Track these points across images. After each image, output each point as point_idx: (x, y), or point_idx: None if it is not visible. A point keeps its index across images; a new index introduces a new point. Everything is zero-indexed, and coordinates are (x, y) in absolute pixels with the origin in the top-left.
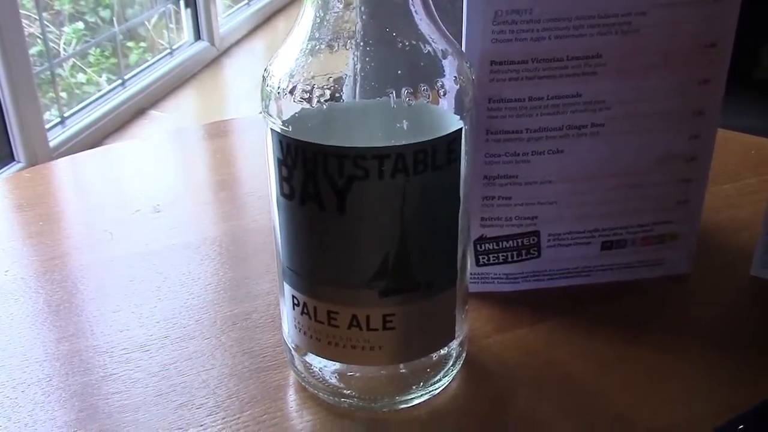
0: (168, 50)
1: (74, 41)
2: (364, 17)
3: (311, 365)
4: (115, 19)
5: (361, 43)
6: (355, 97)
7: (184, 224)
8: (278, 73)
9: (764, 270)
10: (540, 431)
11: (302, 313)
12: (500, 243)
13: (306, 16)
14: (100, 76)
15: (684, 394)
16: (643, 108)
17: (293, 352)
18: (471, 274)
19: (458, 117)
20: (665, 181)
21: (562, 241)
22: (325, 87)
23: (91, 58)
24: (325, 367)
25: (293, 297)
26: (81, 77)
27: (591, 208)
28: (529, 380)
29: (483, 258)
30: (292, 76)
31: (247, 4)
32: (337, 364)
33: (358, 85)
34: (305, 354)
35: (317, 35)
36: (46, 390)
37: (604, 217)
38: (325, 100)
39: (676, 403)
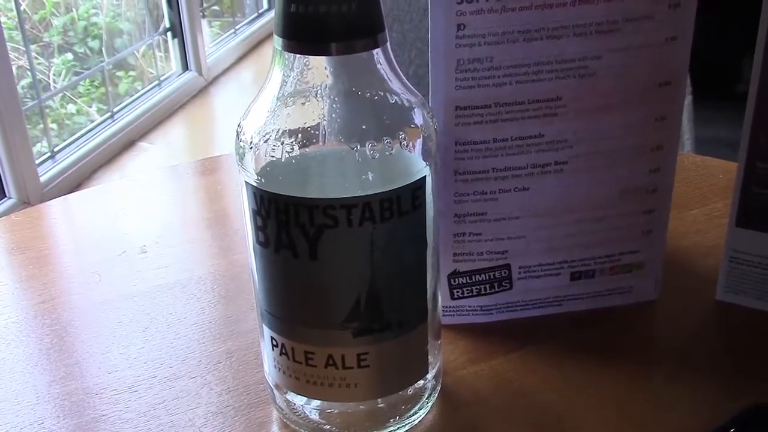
0: (156, 81)
1: (64, 72)
2: (331, 75)
3: (292, 402)
4: (104, 49)
5: (328, 98)
6: (323, 150)
7: (171, 264)
8: (250, 129)
9: (727, 294)
10: None
11: (281, 353)
12: (473, 276)
13: (275, 73)
14: (90, 107)
15: (650, 416)
16: (603, 145)
17: (274, 390)
18: (445, 307)
19: (423, 164)
20: (629, 213)
21: (532, 273)
22: (295, 141)
23: (81, 89)
24: (306, 404)
25: (272, 338)
26: (71, 108)
27: (559, 241)
28: (502, 409)
29: (457, 291)
30: (262, 131)
31: (234, 33)
32: (317, 400)
33: (325, 138)
34: (286, 392)
35: (286, 91)
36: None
37: (572, 249)
38: (295, 154)
39: (642, 426)
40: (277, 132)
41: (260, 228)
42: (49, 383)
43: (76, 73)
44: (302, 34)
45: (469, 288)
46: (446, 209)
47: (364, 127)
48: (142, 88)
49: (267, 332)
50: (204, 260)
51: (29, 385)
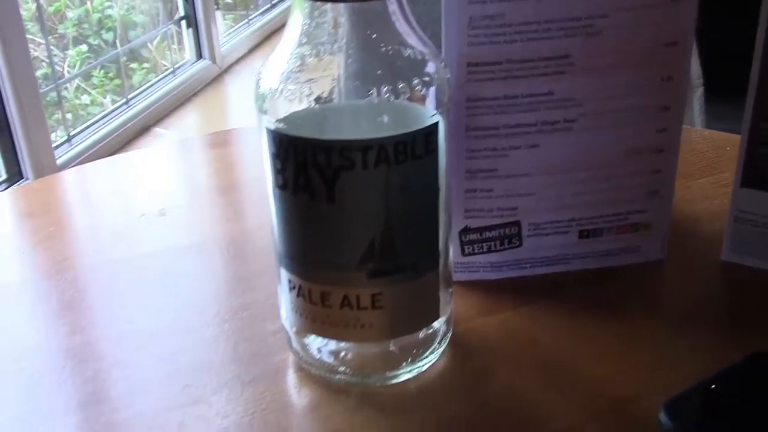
0: (170, 69)
1: (78, 63)
2: (347, 24)
3: (308, 346)
4: (118, 41)
5: (345, 48)
6: (340, 96)
7: (188, 227)
8: (270, 76)
9: (732, 254)
10: (520, 402)
11: (298, 295)
12: (483, 233)
13: (294, 23)
14: (105, 98)
15: (653, 366)
16: (611, 104)
17: (291, 334)
18: (457, 263)
19: (435, 112)
20: (636, 173)
21: (541, 231)
22: (313, 86)
23: (95, 80)
24: (321, 347)
25: (289, 281)
26: (85, 99)
27: (567, 199)
28: (511, 357)
29: (468, 248)
30: (282, 77)
31: (247, 23)
32: (332, 343)
33: (342, 85)
34: (302, 335)
35: (305, 41)
36: (61, 376)
37: (581, 207)
38: (313, 99)
39: (645, 374)
40: (296, 78)
41: (279, 171)
42: (70, 333)
43: (90, 64)
44: None
45: (480, 244)
46: (458, 165)
47: (379, 72)
48: (156, 78)
49: (285, 275)
50: (219, 224)
51: (51, 334)
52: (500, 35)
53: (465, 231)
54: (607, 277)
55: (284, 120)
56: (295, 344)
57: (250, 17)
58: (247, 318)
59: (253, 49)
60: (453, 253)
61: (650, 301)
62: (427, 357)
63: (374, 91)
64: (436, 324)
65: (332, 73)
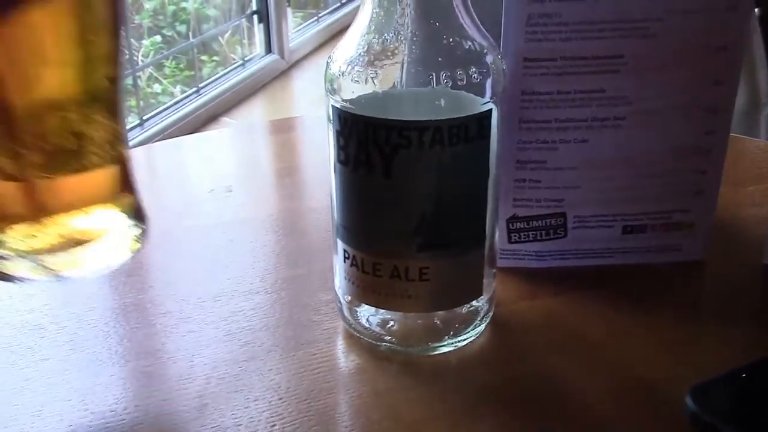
0: (240, 62)
1: (152, 53)
2: (413, 14)
3: (358, 314)
4: (191, 34)
5: (410, 36)
6: (402, 81)
7: (253, 203)
8: (339, 59)
9: None
10: (550, 378)
11: (351, 265)
12: (530, 222)
13: (364, 11)
14: (175, 87)
15: (685, 354)
16: (660, 104)
17: (343, 302)
18: (503, 250)
19: (489, 100)
20: (682, 172)
21: (586, 223)
22: (378, 71)
23: (167, 70)
24: (370, 315)
25: (344, 251)
26: (157, 87)
27: (613, 194)
28: (548, 339)
29: (515, 236)
30: (350, 60)
31: (317, 21)
32: (380, 313)
33: (405, 70)
34: (353, 304)
35: (373, 28)
36: (131, 326)
37: (625, 203)
38: (377, 81)
39: (676, 361)
40: (363, 62)
41: (342, 147)
42: (141, 290)
43: (161, 54)
44: None
45: (526, 233)
46: (509, 155)
47: (440, 60)
48: (226, 70)
49: (340, 245)
50: (280, 202)
51: (125, 291)
52: (556, 33)
53: (513, 219)
54: (647, 273)
55: (349, 100)
56: (346, 312)
57: (319, 15)
58: (301, 287)
59: (320, 46)
60: (500, 239)
61: (689, 298)
62: (468, 332)
63: (434, 77)
64: (478, 302)
65: (397, 59)
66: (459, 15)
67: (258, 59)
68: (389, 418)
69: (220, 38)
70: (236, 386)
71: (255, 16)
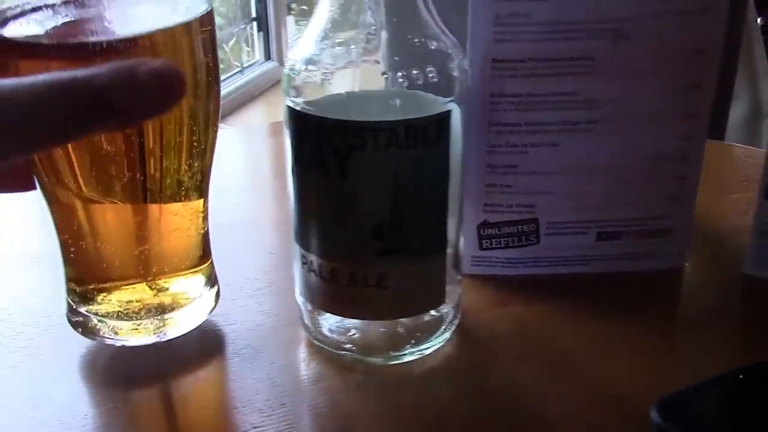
0: (239, 69)
1: None
2: (371, 13)
3: (318, 321)
4: None
5: (367, 35)
6: (359, 81)
7: (242, 204)
8: (295, 58)
9: (755, 267)
10: (517, 390)
11: (309, 270)
12: (502, 228)
13: (321, 10)
14: None
15: (657, 366)
16: (634, 108)
17: (303, 310)
18: (474, 257)
19: (449, 100)
20: (658, 179)
21: (559, 230)
22: (333, 68)
23: None
24: (331, 323)
25: (302, 256)
26: None
27: (587, 200)
28: (516, 349)
29: (486, 242)
30: (305, 59)
31: None
32: (341, 320)
33: (362, 70)
34: (313, 311)
35: (330, 26)
36: None
37: (600, 209)
38: (332, 81)
39: (647, 374)
40: (318, 60)
41: (297, 148)
42: None
43: None
44: None
45: (498, 239)
46: (479, 159)
47: (396, 59)
48: (224, 76)
49: (298, 251)
50: (269, 203)
51: None
52: (526, 33)
53: (484, 225)
54: (623, 281)
55: (306, 101)
56: (306, 320)
57: None
58: (272, 292)
59: None
60: (471, 246)
61: (664, 307)
62: (431, 341)
63: (391, 77)
64: (443, 309)
65: (354, 58)
66: (419, 13)
67: (257, 66)
68: (345, 430)
69: (224, 45)
70: (193, 392)
71: (254, 23)
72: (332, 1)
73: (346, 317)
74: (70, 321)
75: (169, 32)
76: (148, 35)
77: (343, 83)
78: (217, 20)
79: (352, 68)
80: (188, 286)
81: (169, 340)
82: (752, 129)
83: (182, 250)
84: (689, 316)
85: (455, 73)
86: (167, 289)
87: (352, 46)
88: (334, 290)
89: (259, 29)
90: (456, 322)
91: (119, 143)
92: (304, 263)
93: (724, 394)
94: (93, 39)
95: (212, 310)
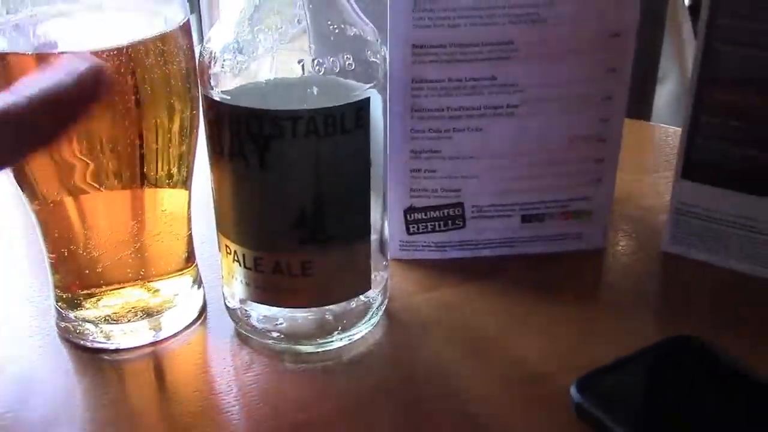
0: None
1: None
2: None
3: (245, 311)
4: None
5: (282, 20)
6: (276, 69)
7: None
8: (210, 45)
9: (673, 245)
10: (442, 373)
11: (234, 260)
12: (428, 213)
13: None
14: None
15: (578, 345)
16: (554, 92)
17: (228, 299)
18: (402, 241)
19: (367, 87)
20: (578, 161)
21: (484, 213)
22: (249, 56)
23: None
24: (256, 313)
25: (225, 246)
26: None
27: (510, 183)
28: (442, 332)
29: (413, 227)
30: (220, 47)
31: None
32: (267, 309)
33: (278, 58)
34: (239, 301)
35: (245, 12)
36: None
37: (523, 192)
38: (248, 69)
39: (568, 353)
40: (234, 48)
41: (215, 138)
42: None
43: None
44: None
45: (424, 224)
46: (403, 145)
47: (312, 46)
48: None
49: (222, 240)
50: None
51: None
52: (445, 19)
53: (410, 210)
54: (548, 262)
55: (222, 89)
56: (232, 309)
57: None
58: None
59: None
60: (398, 231)
61: (586, 287)
62: (359, 327)
63: (308, 63)
64: (370, 294)
65: (269, 46)
66: (339, 2)
67: None
68: (274, 418)
69: None
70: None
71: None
72: None
73: (271, 306)
74: (59, 327)
75: (151, 42)
76: (131, 46)
77: (261, 72)
78: None
79: (269, 56)
80: (177, 287)
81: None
82: (681, 107)
83: (170, 252)
84: (610, 295)
85: (374, 60)
86: (157, 291)
87: (270, 34)
88: (258, 280)
89: (192, 11)
90: (383, 307)
91: (99, 148)
92: (227, 253)
93: (641, 370)
94: (71, 50)
95: (202, 309)
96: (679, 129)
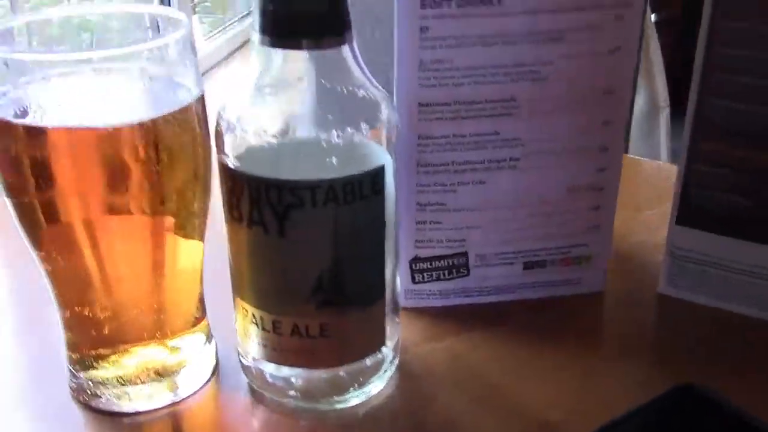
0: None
1: None
2: (303, 67)
3: (260, 370)
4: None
5: (299, 89)
6: (293, 136)
7: None
8: (228, 114)
9: (669, 288)
10: (456, 423)
11: (252, 322)
12: (433, 263)
13: (253, 64)
14: None
15: (584, 393)
16: (554, 145)
17: (244, 358)
18: (407, 290)
19: (383, 153)
20: (577, 209)
21: (488, 262)
22: (268, 126)
23: None
24: (273, 371)
25: (243, 308)
26: None
27: (513, 233)
28: (452, 382)
29: (418, 276)
30: (240, 117)
31: (223, 31)
32: (283, 368)
33: (296, 125)
34: (254, 360)
35: (263, 81)
36: None
37: (525, 241)
38: (268, 139)
39: (575, 401)
40: (253, 117)
41: (234, 206)
42: None
43: None
44: (277, 30)
45: (429, 273)
46: (409, 198)
47: (330, 117)
48: None
49: (238, 302)
50: None
51: None
52: (449, 78)
53: (415, 260)
54: (548, 307)
55: (239, 157)
56: (247, 368)
57: (226, 24)
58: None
59: (230, 55)
60: (403, 280)
61: (588, 331)
62: (374, 382)
63: (325, 131)
64: (383, 351)
65: (286, 113)
66: (350, 67)
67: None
68: None
69: None
70: None
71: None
72: (263, 56)
73: (289, 367)
74: (71, 389)
75: (171, 115)
76: (151, 121)
77: (277, 139)
78: (115, 23)
79: (285, 123)
80: (191, 344)
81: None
82: (651, 122)
83: (185, 308)
84: (610, 338)
85: (388, 126)
86: (174, 348)
87: (286, 102)
88: (276, 342)
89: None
90: (396, 361)
91: (117, 211)
92: (244, 315)
93: (653, 423)
94: (94, 125)
95: (215, 366)
96: (670, 165)
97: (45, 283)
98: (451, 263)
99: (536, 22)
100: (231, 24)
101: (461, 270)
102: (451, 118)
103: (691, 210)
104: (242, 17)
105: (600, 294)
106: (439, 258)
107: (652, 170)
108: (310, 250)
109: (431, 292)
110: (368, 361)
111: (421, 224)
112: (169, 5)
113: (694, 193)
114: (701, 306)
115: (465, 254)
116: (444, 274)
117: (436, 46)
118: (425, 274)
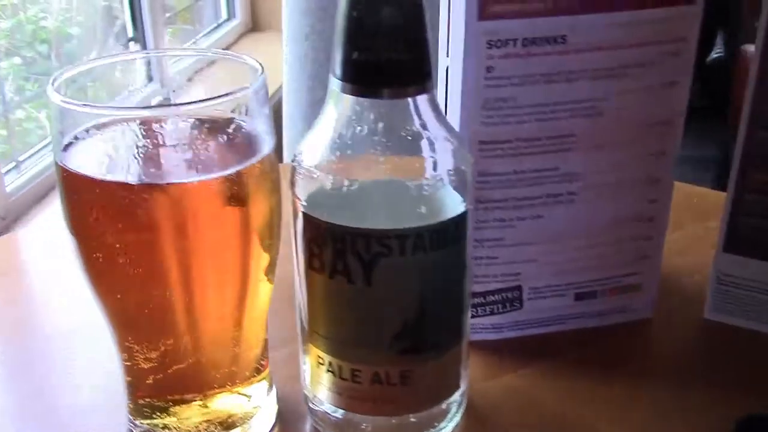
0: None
1: (11, 76)
2: (382, 115)
3: (328, 415)
4: (53, 54)
5: (380, 137)
6: (375, 183)
7: None
8: (307, 161)
9: (715, 313)
10: None
11: (327, 371)
12: (487, 297)
13: (330, 110)
14: (39, 112)
15: (645, 425)
16: (610, 177)
17: (313, 401)
18: None
19: (462, 200)
20: (628, 239)
21: (541, 294)
22: (350, 174)
23: (29, 93)
24: (340, 416)
25: (318, 357)
26: (20, 113)
27: (566, 265)
28: (516, 417)
29: (472, 311)
30: (320, 165)
31: (194, 44)
32: (354, 414)
33: (377, 172)
34: (322, 403)
35: (342, 129)
36: None
37: (577, 272)
38: (351, 187)
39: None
40: (334, 165)
41: (315, 255)
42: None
43: (25, 78)
44: (360, 78)
45: (483, 308)
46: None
47: (412, 161)
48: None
49: (314, 351)
50: None
51: None
52: (512, 116)
53: (470, 295)
54: (600, 335)
55: (320, 206)
56: (315, 412)
57: (196, 38)
58: (275, 376)
59: (199, 71)
60: None
61: (641, 359)
62: (444, 426)
63: (408, 179)
64: (455, 395)
65: (367, 160)
66: (428, 114)
67: (142, 89)
68: None
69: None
70: None
71: (131, 43)
72: (341, 103)
73: (367, 415)
74: None
75: (253, 168)
76: (236, 173)
77: (359, 187)
78: (75, 30)
79: (366, 170)
80: (256, 393)
81: None
82: None
83: (253, 356)
84: (663, 367)
85: (468, 173)
86: (246, 397)
87: (367, 151)
88: (355, 390)
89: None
90: (465, 403)
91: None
92: (320, 363)
93: None
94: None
95: (278, 413)
96: (706, 189)
97: (109, 331)
98: (505, 297)
99: (598, 58)
100: (199, 38)
101: (515, 303)
102: (512, 155)
103: (738, 237)
104: (210, 31)
105: (648, 321)
106: (494, 292)
107: (686, 193)
108: (397, 298)
109: (484, 326)
110: (443, 405)
111: (478, 260)
112: (141, 18)
113: (742, 221)
114: (746, 330)
115: (519, 287)
116: (498, 308)
117: (501, 84)
118: (479, 309)
